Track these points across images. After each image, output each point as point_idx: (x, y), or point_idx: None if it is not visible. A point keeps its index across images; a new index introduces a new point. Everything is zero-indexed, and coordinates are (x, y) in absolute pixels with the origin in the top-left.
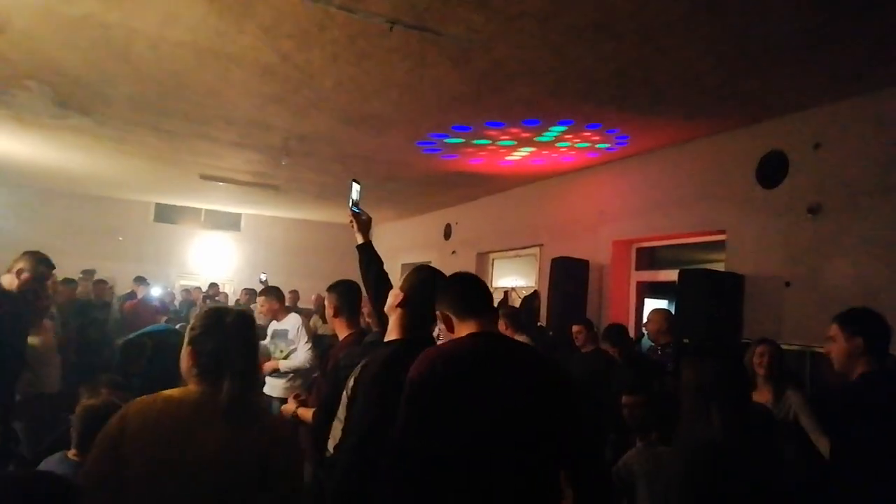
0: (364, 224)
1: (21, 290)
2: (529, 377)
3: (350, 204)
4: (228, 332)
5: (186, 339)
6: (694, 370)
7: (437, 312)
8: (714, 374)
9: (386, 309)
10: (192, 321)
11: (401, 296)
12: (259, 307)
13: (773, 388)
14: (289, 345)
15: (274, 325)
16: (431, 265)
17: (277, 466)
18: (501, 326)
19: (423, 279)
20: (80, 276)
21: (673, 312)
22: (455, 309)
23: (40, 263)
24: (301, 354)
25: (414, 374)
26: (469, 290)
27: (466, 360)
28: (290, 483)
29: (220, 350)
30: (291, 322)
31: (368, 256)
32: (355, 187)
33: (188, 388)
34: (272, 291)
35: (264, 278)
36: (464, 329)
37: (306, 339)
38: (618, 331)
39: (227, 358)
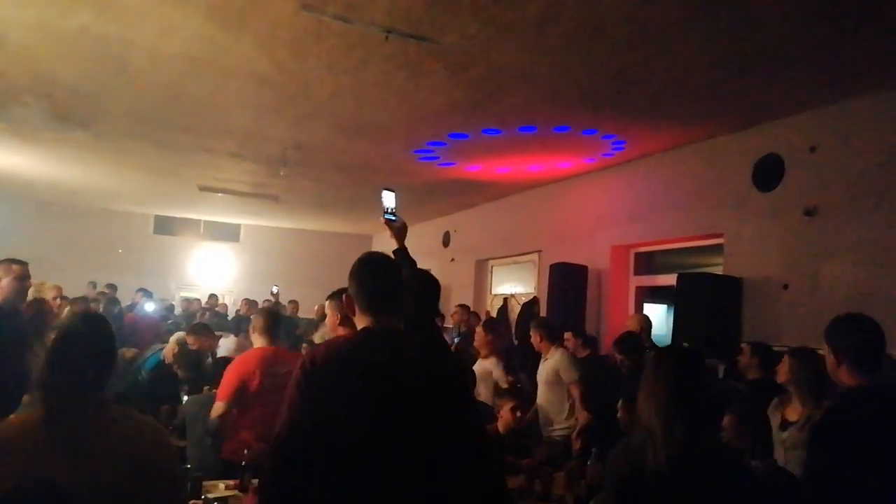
0: (398, 230)
1: (7, 300)
2: (414, 379)
3: (383, 214)
4: (49, 348)
5: None
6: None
7: (345, 296)
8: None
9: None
10: None
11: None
12: (191, 344)
13: None
14: None
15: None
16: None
17: (151, 477)
18: (535, 338)
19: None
20: (105, 290)
21: (650, 318)
22: (357, 298)
23: (13, 263)
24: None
25: (296, 370)
26: (372, 282)
27: (344, 357)
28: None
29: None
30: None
31: (401, 262)
32: (388, 196)
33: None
34: (203, 329)
35: (276, 290)
36: (361, 323)
37: None
38: (634, 342)
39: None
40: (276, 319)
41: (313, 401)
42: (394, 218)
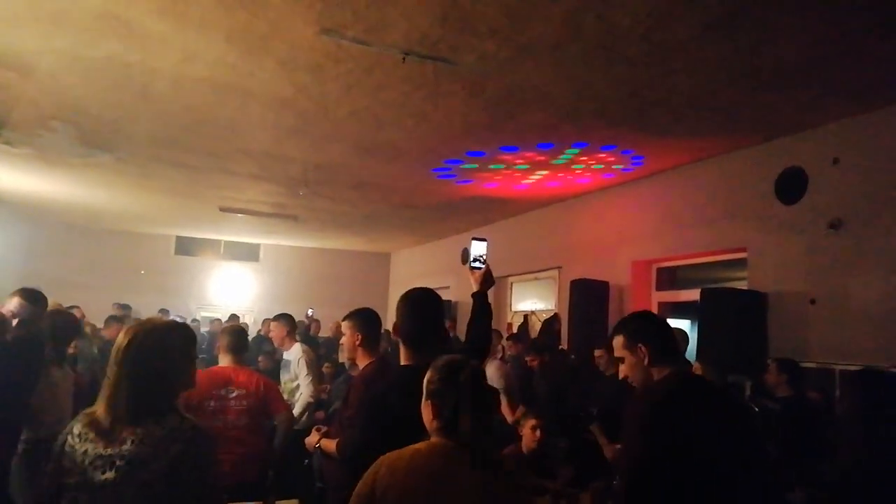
0: (483, 276)
1: (15, 337)
2: (723, 410)
3: (471, 261)
4: (463, 386)
5: (425, 393)
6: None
7: (640, 346)
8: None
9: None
10: (428, 373)
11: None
12: (272, 332)
13: None
14: (291, 378)
15: (284, 355)
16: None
17: None
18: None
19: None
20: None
21: (685, 332)
22: (657, 346)
23: (28, 302)
24: (305, 390)
25: (641, 409)
26: (666, 330)
27: (685, 395)
28: None
29: (459, 403)
30: (294, 353)
31: (477, 307)
32: (478, 245)
33: (433, 441)
34: (283, 317)
35: (311, 313)
36: (663, 370)
37: (306, 371)
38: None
39: (464, 410)
40: (241, 338)
41: (665, 434)
42: (481, 266)
